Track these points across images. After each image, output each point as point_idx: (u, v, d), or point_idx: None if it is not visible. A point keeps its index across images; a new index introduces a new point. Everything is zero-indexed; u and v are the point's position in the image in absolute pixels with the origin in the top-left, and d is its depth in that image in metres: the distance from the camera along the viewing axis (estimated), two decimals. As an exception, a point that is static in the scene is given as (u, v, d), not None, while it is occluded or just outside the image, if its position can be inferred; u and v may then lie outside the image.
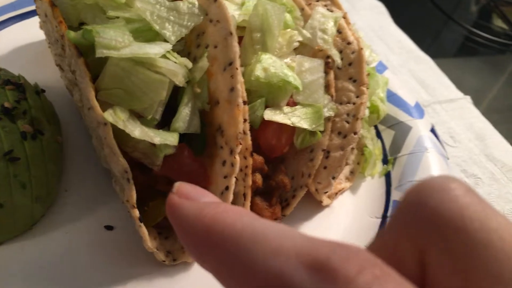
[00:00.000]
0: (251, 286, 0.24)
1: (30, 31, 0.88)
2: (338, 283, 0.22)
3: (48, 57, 0.85)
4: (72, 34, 0.58)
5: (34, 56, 0.86)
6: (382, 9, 1.44)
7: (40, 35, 0.85)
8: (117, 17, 0.61)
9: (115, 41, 0.56)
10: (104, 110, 0.57)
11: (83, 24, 0.66)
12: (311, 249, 0.24)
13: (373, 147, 0.87)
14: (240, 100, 0.61)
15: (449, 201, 0.25)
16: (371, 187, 0.86)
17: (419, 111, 0.95)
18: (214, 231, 0.27)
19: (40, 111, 0.68)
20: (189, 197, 0.30)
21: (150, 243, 0.61)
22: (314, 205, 0.80)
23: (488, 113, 1.18)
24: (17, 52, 0.87)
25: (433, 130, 0.92)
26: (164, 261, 0.65)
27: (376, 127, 0.94)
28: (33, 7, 0.84)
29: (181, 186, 0.31)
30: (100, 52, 0.56)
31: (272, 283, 0.23)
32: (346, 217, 0.80)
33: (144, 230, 0.60)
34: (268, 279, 0.23)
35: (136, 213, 0.59)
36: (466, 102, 1.16)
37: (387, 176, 0.87)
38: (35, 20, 0.86)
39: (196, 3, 0.64)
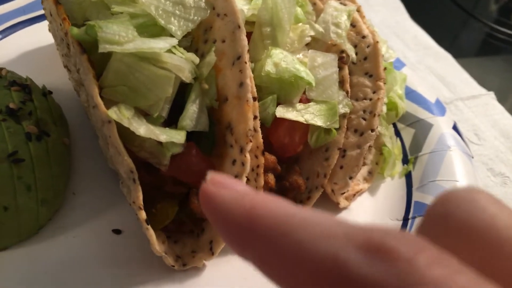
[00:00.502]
0: (302, 272, 0.23)
1: (40, 35, 0.88)
2: (397, 264, 0.20)
3: (57, 60, 0.84)
4: (75, 30, 0.56)
5: (43, 59, 0.85)
6: (398, 4, 1.40)
7: (49, 38, 0.84)
8: (122, 13, 0.59)
9: (119, 36, 0.54)
10: (108, 108, 0.55)
11: (88, 22, 0.65)
12: (363, 232, 0.22)
13: (392, 146, 0.83)
14: (250, 96, 0.58)
15: (479, 212, 0.24)
16: (391, 188, 0.82)
17: (440, 108, 0.91)
18: (257, 218, 0.25)
19: (46, 112, 0.66)
20: (224, 185, 0.28)
21: (158, 246, 0.59)
22: (330, 207, 0.76)
23: (511, 113, 1.12)
24: (26, 55, 0.86)
25: (455, 128, 0.87)
26: (173, 266, 0.62)
27: (395, 125, 0.90)
28: (42, 12, 0.83)
29: (214, 176, 0.29)
30: (103, 47, 0.54)
31: (325, 267, 0.22)
32: (365, 220, 0.76)
33: (151, 233, 0.57)
34: (322, 264, 0.22)
35: (143, 214, 0.56)
36: (489, 98, 1.10)
37: (408, 176, 0.83)
38: (45, 24, 0.85)
39: (203, -4, 0.62)
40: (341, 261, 0.21)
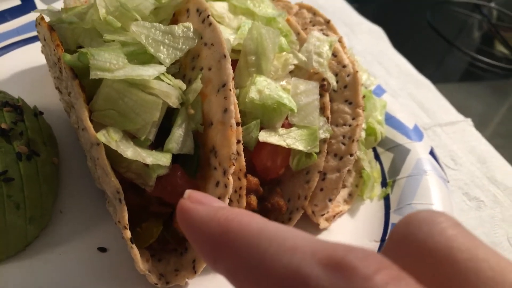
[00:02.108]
0: (266, 283, 0.24)
1: (33, 55, 0.90)
2: (355, 281, 0.22)
3: (48, 81, 0.86)
4: (68, 56, 0.59)
5: (35, 80, 0.88)
6: (381, 34, 1.45)
7: (42, 59, 0.87)
8: (113, 41, 0.63)
9: (110, 63, 0.57)
10: (98, 131, 0.57)
11: (80, 48, 0.68)
12: (327, 248, 0.24)
13: (371, 170, 0.86)
14: (233, 121, 0.61)
15: (437, 234, 0.26)
16: (369, 210, 0.85)
17: (418, 133, 0.95)
18: (230, 231, 0.27)
19: (37, 132, 0.68)
20: (201, 202, 0.31)
21: (142, 265, 0.61)
22: (311, 228, 0.79)
23: (492, 138, 1.17)
24: (19, 75, 0.88)
25: (432, 153, 0.91)
26: (156, 284, 0.64)
27: (374, 149, 0.93)
28: (36, 32, 0.86)
29: (192, 193, 0.32)
30: (94, 74, 0.57)
31: (288, 281, 0.23)
32: (344, 241, 0.78)
33: (135, 252, 0.59)
34: (285, 276, 0.24)
35: (128, 234, 0.58)
36: (467, 124, 1.15)
37: (386, 199, 0.86)
38: (38, 45, 0.88)
39: (191, 27, 0.66)
40: (303, 274, 0.23)
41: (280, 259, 0.24)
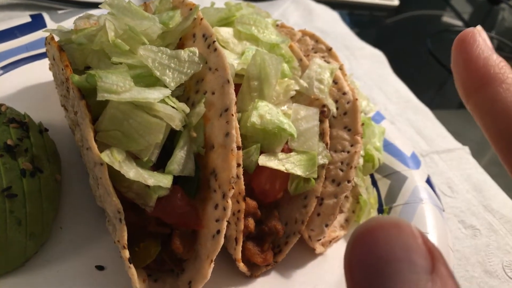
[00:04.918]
0: None
1: (40, 71, 0.92)
2: None
3: (55, 98, 0.88)
4: (76, 77, 0.61)
5: (42, 96, 0.89)
6: (382, 58, 1.48)
7: (49, 76, 0.89)
8: (121, 63, 0.64)
9: (116, 86, 0.59)
10: (102, 151, 0.58)
11: (89, 68, 0.69)
12: None
13: (368, 196, 0.87)
14: (234, 145, 0.63)
15: None
16: (366, 236, 0.86)
17: (416, 161, 0.96)
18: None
19: (41, 149, 0.70)
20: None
21: (138, 285, 0.61)
22: (307, 252, 0.79)
23: (488, 166, 1.18)
24: (26, 91, 0.90)
25: (429, 181, 0.92)
26: (152, 304, 0.64)
27: (372, 176, 0.94)
28: (44, 49, 0.87)
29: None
30: (101, 96, 0.58)
31: None
32: (339, 266, 0.80)
33: (133, 272, 0.60)
34: None
35: (126, 254, 0.59)
36: (464, 152, 1.17)
37: (382, 225, 0.87)
38: (45, 62, 0.90)
39: (197, 52, 0.68)
40: None
41: None
